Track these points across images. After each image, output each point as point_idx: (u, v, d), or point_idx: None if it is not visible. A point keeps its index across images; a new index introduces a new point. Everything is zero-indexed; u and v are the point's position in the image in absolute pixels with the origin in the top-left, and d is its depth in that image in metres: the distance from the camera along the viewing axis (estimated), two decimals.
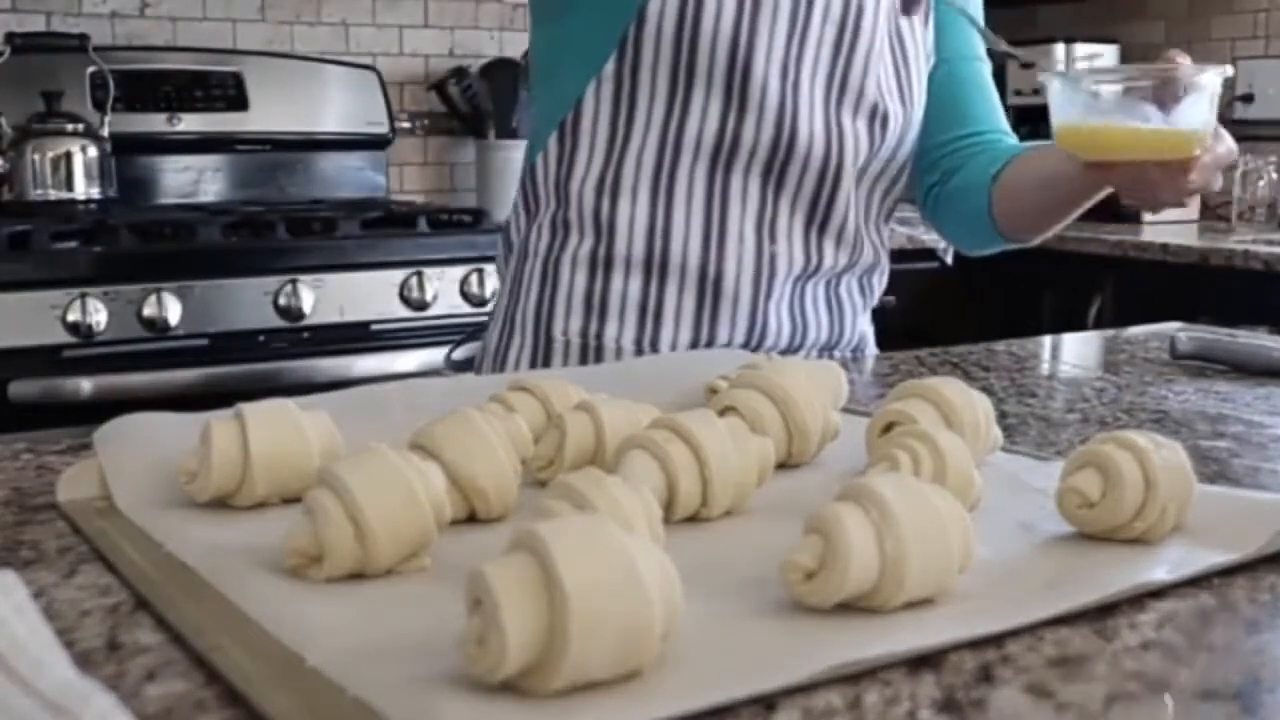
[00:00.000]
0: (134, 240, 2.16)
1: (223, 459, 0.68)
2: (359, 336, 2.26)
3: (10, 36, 2.44)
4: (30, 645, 0.43)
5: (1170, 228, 2.96)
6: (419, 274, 2.29)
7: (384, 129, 2.88)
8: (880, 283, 1.30)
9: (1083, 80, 1.04)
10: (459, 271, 2.34)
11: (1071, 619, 0.55)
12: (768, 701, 0.47)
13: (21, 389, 1.98)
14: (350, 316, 2.25)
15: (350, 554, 0.58)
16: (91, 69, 2.54)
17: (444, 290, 2.32)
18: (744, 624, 0.54)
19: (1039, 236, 1.28)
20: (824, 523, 0.55)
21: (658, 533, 0.59)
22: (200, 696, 0.48)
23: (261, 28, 2.86)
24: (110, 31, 2.70)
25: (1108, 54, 3.30)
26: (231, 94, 2.72)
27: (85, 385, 2.01)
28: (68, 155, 2.41)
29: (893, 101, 1.21)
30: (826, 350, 1.26)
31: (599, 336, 1.18)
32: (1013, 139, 1.31)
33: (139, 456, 0.72)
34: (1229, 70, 1.00)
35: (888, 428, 0.78)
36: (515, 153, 2.79)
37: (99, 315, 2.03)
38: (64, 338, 2.02)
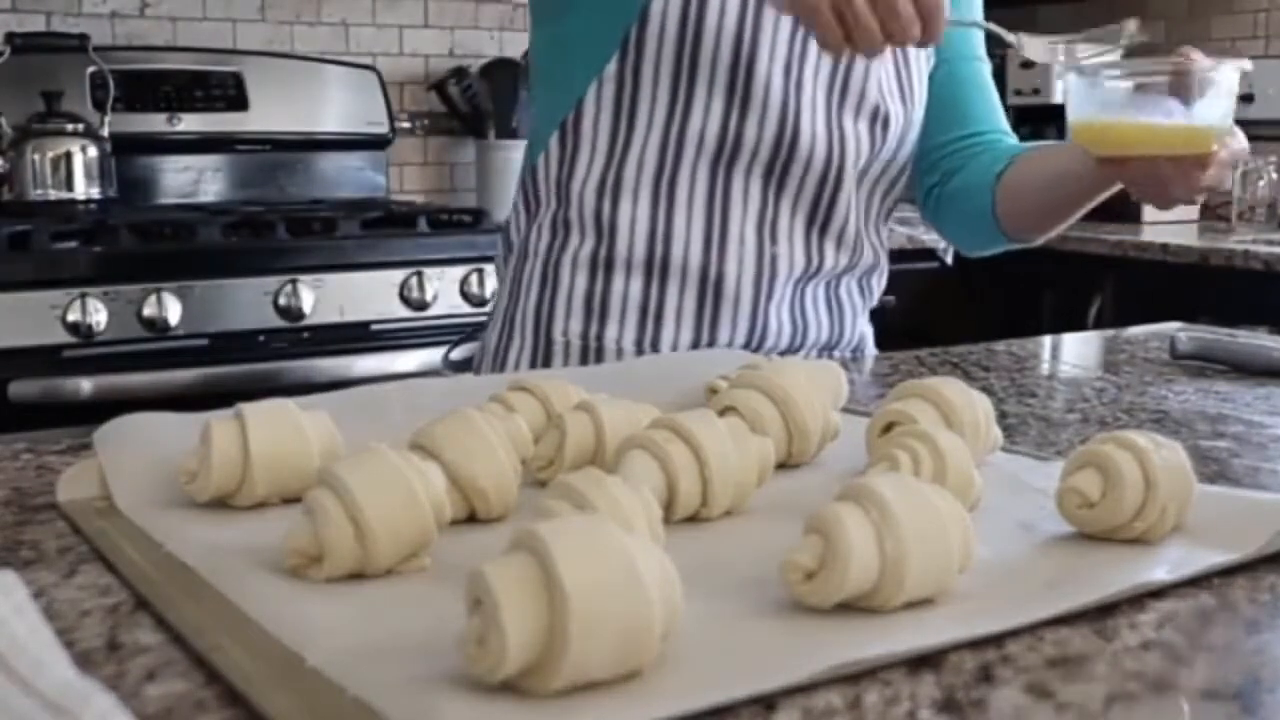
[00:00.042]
0: (134, 240, 2.16)
1: (223, 459, 0.68)
2: (359, 336, 2.26)
3: (10, 36, 2.44)
4: (30, 645, 0.43)
5: (1170, 228, 2.96)
6: (419, 274, 2.29)
7: (384, 129, 2.88)
8: (880, 284, 1.30)
9: (1099, 75, 1.03)
10: (459, 271, 2.34)
11: (1071, 619, 0.55)
12: (768, 701, 0.47)
13: (21, 389, 1.98)
14: (350, 316, 2.25)
15: (350, 554, 0.58)
16: (91, 69, 2.54)
17: (444, 290, 2.32)
18: (744, 624, 0.54)
19: (1043, 236, 1.28)
20: (824, 523, 0.55)
21: (658, 533, 0.59)
22: (200, 696, 0.48)
23: (261, 28, 2.86)
24: (110, 31, 2.70)
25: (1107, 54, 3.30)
26: (231, 94, 2.72)
27: (85, 385, 2.01)
28: (68, 155, 2.41)
29: (894, 103, 1.21)
30: (826, 351, 1.26)
31: (599, 338, 1.18)
32: (1013, 139, 1.31)
33: (139, 456, 0.72)
34: (1247, 65, 1.00)
35: (888, 428, 0.78)
36: (515, 153, 2.79)
37: (99, 315, 2.03)
38: (64, 338, 2.02)
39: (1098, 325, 2.60)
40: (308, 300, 2.19)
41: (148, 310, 2.07)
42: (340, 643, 0.51)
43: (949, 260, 2.83)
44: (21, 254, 2.04)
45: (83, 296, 2.02)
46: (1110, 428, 0.93)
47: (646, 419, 0.75)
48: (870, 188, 1.23)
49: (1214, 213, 3.19)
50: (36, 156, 2.39)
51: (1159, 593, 0.58)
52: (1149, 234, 2.79)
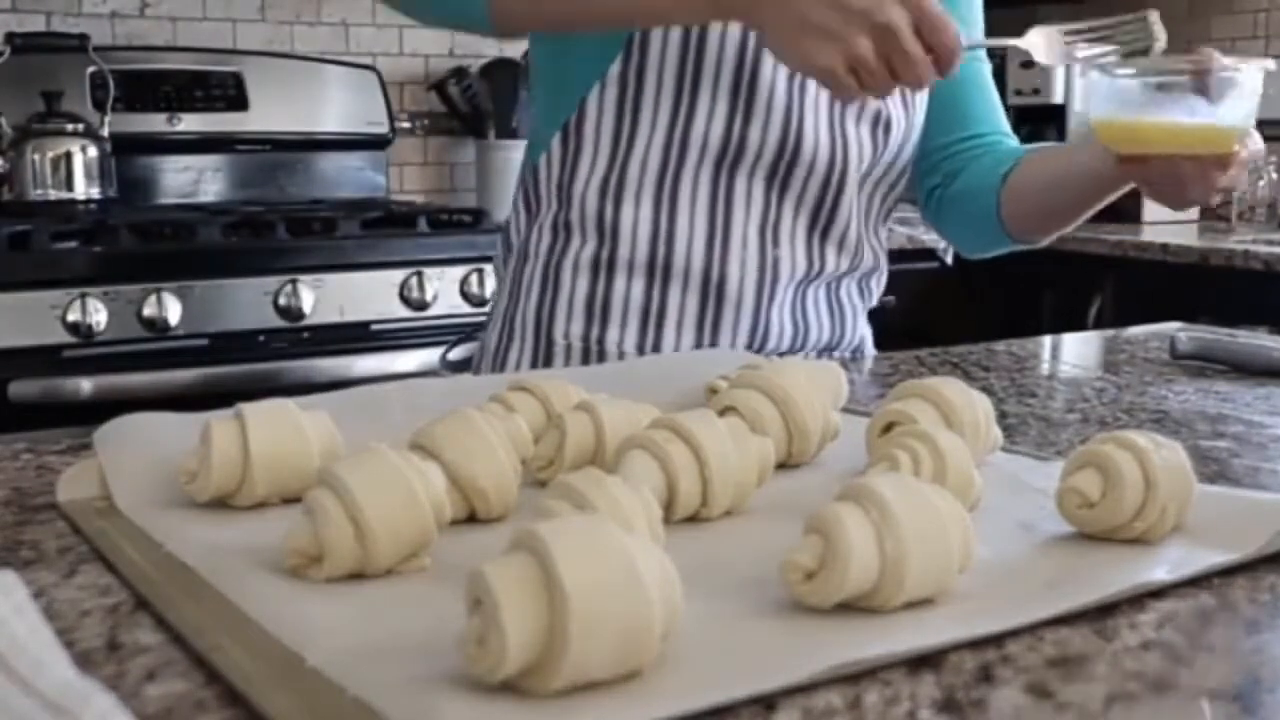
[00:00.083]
0: (134, 240, 2.16)
1: (223, 459, 0.68)
2: (359, 336, 2.26)
3: (10, 36, 2.45)
4: (30, 645, 0.43)
5: (1170, 228, 2.96)
6: (419, 274, 2.29)
7: (384, 129, 2.88)
8: (879, 286, 1.30)
9: (1122, 72, 1.03)
10: (459, 271, 2.34)
11: (1071, 619, 0.55)
12: (768, 701, 0.47)
13: (21, 389, 1.98)
14: (350, 316, 2.25)
15: (350, 554, 0.58)
16: (91, 69, 2.54)
17: (444, 290, 2.32)
18: (744, 624, 0.54)
19: (1048, 238, 1.28)
20: (824, 523, 0.55)
21: (658, 533, 0.59)
22: (200, 696, 0.48)
23: (261, 28, 2.86)
24: (110, 31, 2.70)
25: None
26: (231, 94, 2.72)
27: (85, 385, 2.01)
28: (68, 155, 2.41)
29: (895, 107, 1.20)
30: (827, 352, 1.25)
31: (601, 340, 1.17)
32: (1014, 140, 1.31)
33: (139, 456, 0.72)
34: (1271, 64, 1.00)
35: (888, 428, 0.78)
36: (515, 153, 2.79)
37: (99, 315, 2.03)
38: (64, 338, 2.02)
39: (1098, 325, 2.60)
40: (308, 300, 2.19)
41: (148, 310, 2.07)
42: (340, 643, 0.51)
43: (949, 260, 2.83)
44: (21, 254, 2.04)
45: (83, 296, 2.02)
46: (1110, 428, 0.93)
47: (646, 419, 0.75)
48: (871, 190, 1.23)
49: (1214, 213, 3.19)
50: (36, 156, 2.39)
51: (1159, 593, 0.58)
52: (1149, 234, 2.79)
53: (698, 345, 1.17)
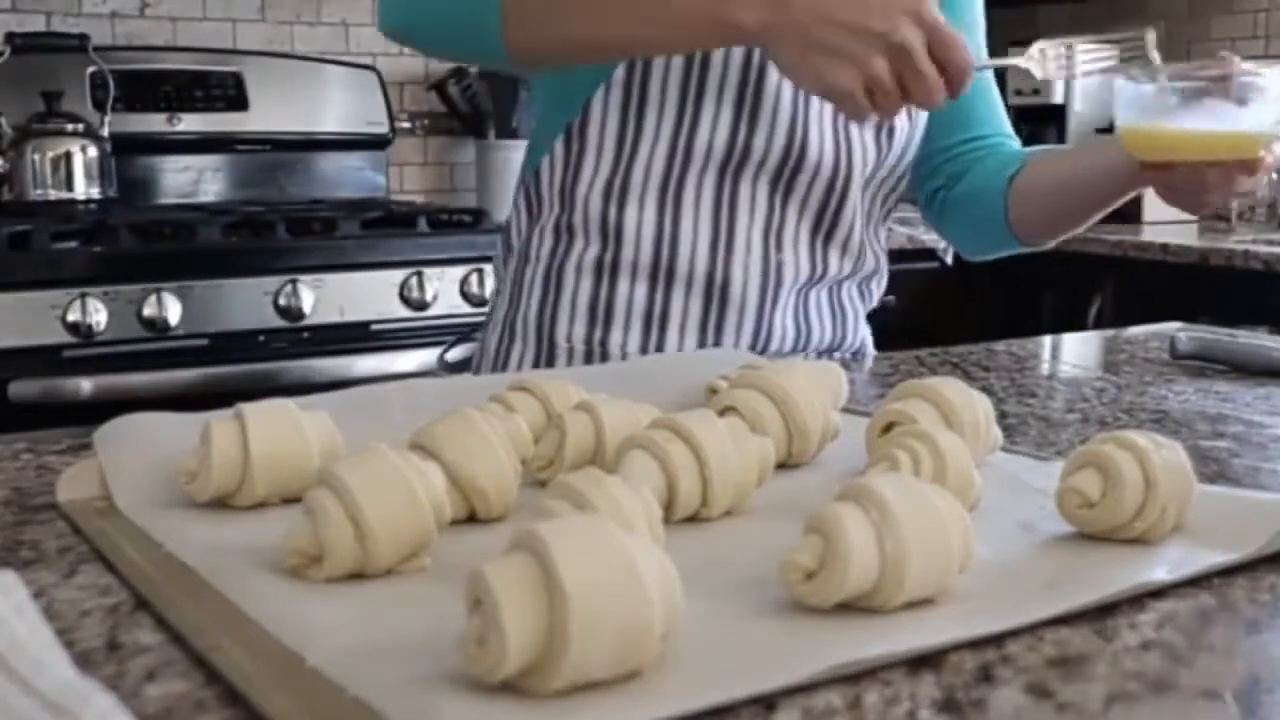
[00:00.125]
0: (134, 240, 2.16)
1: (223, 459, 0.68)
2: (359, 336, 2.26)
3: (10, 36, 2.45)
4: (30, 645, 0.43)
5: (1170, 228, 2.96)
6: (419, 274, 2.29)
7: (384, 129, 2.88)
8: (879, 288, 1.30)
9: (1146, 79, 1.03)
10: (459, 271, 2.34)
11: (1071, 619, 0.55)
12: (768, 701, 0.47)
13: (21, 389, 1.98)
14: (350, 316, 2.25)
15: (350, 554, 0.58)
16: (91, 69, 2.54)
17: (444, 290, 2.32)
18: (744, 624, 0.54)
19: (1055, 240, 1.28)
20: (824, 523, 0.55)
21: (658, 533, 0.59)
22: (200, 696, 0.48)
23: (261, 28, 2.86)
24: (110, 31, 2.70)
25: (1108, 54, 3.30)
26: (231, 94, 2.72)
27: (85, 385, 2.01)
28: (68, 155, 2.41)
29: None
30: (828, 354, 1.25)
31: (604, 343, 1.17)
32: (1016, 142, 1.31)
33: (139, 456, 0.72)
34: None
35: (888, 428, 0.78)
36: (515, 153, 2.79)
37: (99, 315, 2.03)
38: (64, 338, 2.02)
39: (1098, 325, 2.60)
40: (308, 300, 2.19)
41: (148, 310, 2.07)
42: (340, 643, 0.51)
43: (949, 260, 2.83)
44: (21, 254, 2.04)
45: (83, 296, 2.02)
46: (1110, 428, 0.93)
47: (646, 419, 0.75)
48: (873, 193, 1.23)
49: (1214, 213, 3.19)
50: (36, 156, 2.39)
51: (1159, 593, 0.58)
52: (1149, 234, 2.79)
53: (700, 348, 1.17)
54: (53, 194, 2.40)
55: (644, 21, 1.02)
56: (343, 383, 2.01)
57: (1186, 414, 0.98)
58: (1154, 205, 2.31)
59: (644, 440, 0.69)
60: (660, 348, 1.17)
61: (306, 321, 2.19)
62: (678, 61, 1.12)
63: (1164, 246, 2.63)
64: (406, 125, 3.02)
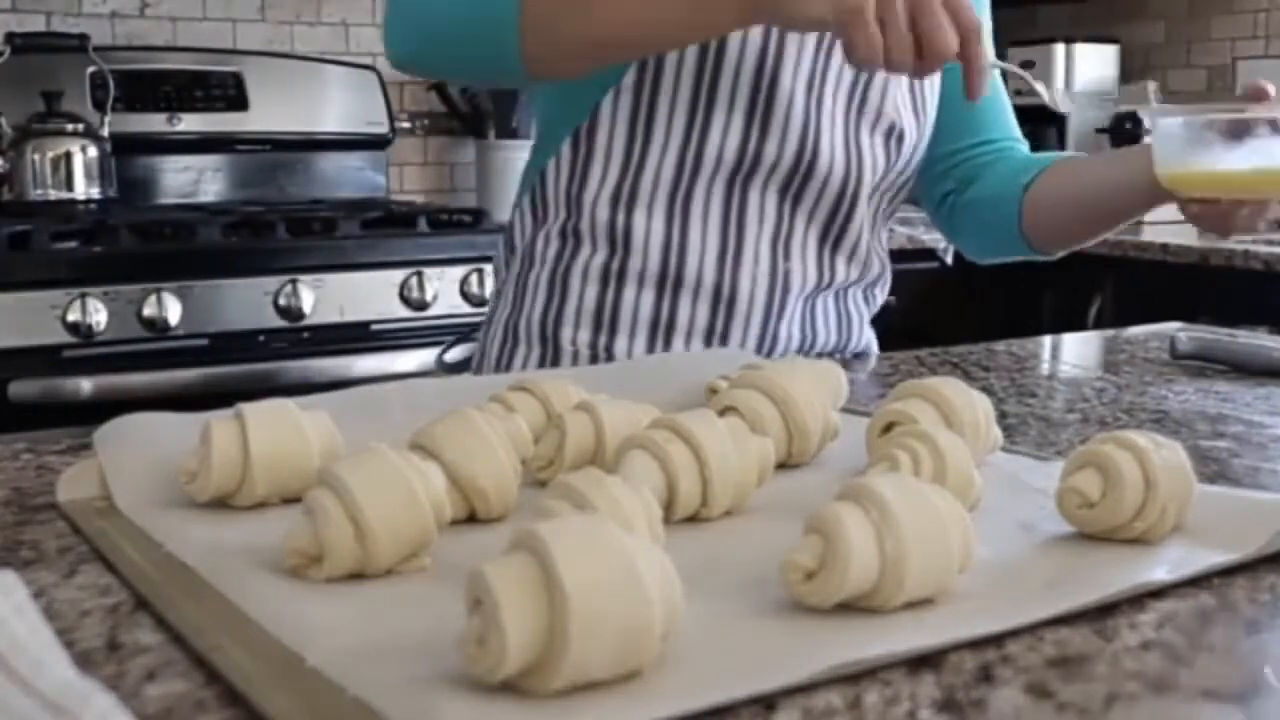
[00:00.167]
0: (134, 240, 2.16)
1: (223, 459, 0.68)
2: (359, 336, 2.26)
3: (10, 36, 2.45)
4: (30, 645, 0.43)
5: (1170, 228, 2.96)
6: (419, 274, 2.29)
7: (384, 129, 2.88)
8: (883, 292, 1.30)
9: (1187, 119, 1.03)
10: (459, 271, 2.34)
11: (1071, 619, 0.55)
12: (768, 701, 0.47)
13: (21, 389, 1.98)
14: (350, 316, 2.25)
15: (350, 554, 0.58)
16: (91, 69, 2.54)
17: (444, 290, 2.32)
18: (744, 624, 0.54)
19: (1067, 250, 1.28)
20: (824, 523, 0.55)
21: (658, 533, 0.59)
22: (200, 696, 0.48)
23: (261, 28, 2.86)
24: (110, 31, 2.70)
25: (1108, 54, 3.30)
26: (231, 94, 2.72)
27: (85, 385, 2.01)
28: (68, 155, 2.41)
29: (908, 115, 1.19)
30: (831, 356, 1.25)
31: (609, 349, 1.16)
32: (1025, 146, 1.30)
33: (139, 456, 0.72)
34: None
35: (888, 428, 0.78)
36: (515, 153, 2.79)
37: (99, 315, 2.03)
38: (64, 338, 2.02)
39: (1098, 325, 2.60)
40: (308, 300, 2.19)
41: (148, 310, 2.07)
42: (340, 643, 0.51)
43: (949, 260, 2.82)
44: (21, 254, 2.04)
45: (83, 296, 2.02)
46: (1110, 428, 0.93)
47: (646, 419, 0.75)
48: (878, 199, 1.23)
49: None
50: (36, 156, 2.39)
51: (1159, 593, 0.58)
52: (1149, 234, 2.79)
53: None
54: (53, 194, 2.40)
55: (661, 3, 1.01)
56: (343, 383, 2.01)
57: (1186, 414, 0.98)
58: None
59: (644, 440, 0.69)
60: None
61: (306, 321, 2.19)
62: (689, 67, 1.11)
63: (1164, 246, 2.63)
64: (406, 125, 3.02)
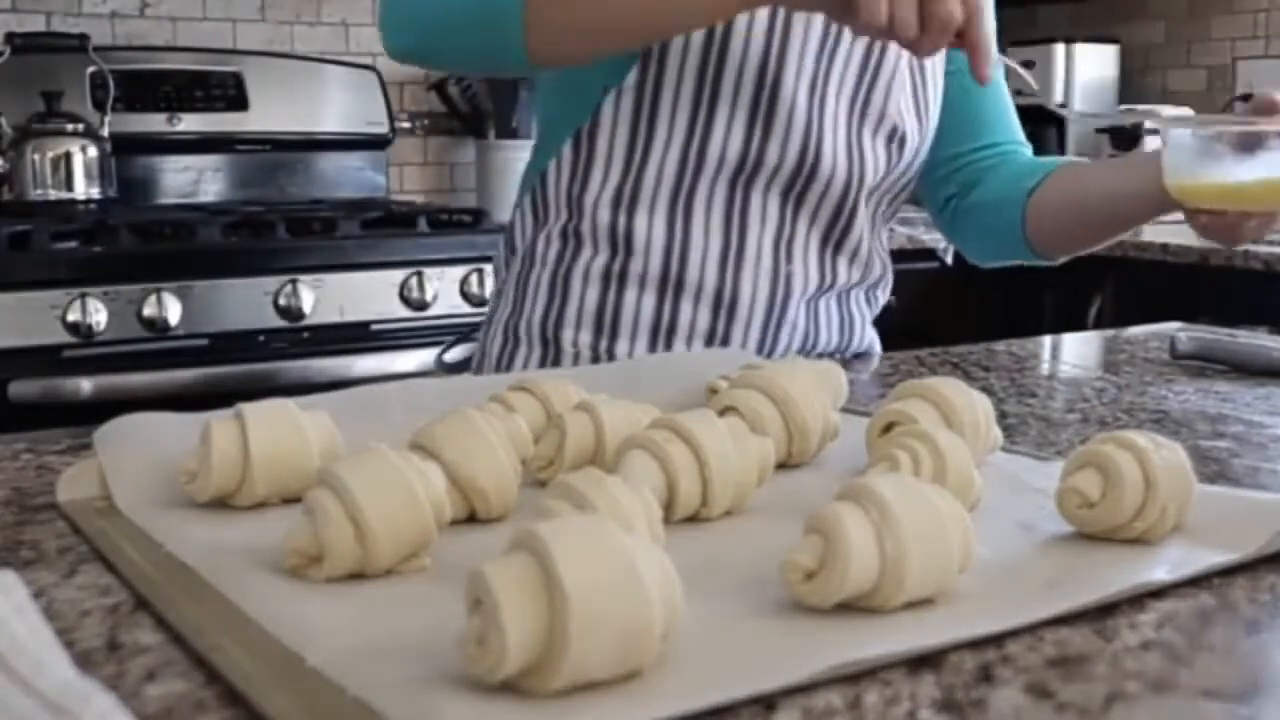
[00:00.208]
0: (134, 240, 2.16)
1: (223, 459, 0.68)
2: (359, 336, 2.26)
3: (10, 36, 2.45)
4: (30, 645, 0.43)
5: (1170, 228, 2.95)
6: (419, 274, 2.29)
7: (384, 129, 2.88)
8: (884, 294, 1.29)
9: (1198, 131, 1.02)
10: (459, 271, 2.34)
11: (1071, 619, 0.55)
12: (768, 701, 0.47)
13: (21, 389, 1.98)
14: (350, 316, 2.24)
15: (350, 554, 0.58)
16: (91, 69, 2.54)
17: (444, 290, 2.32)
18: (744, 624, 0.54)
19: (1070, 255, 1.28)
20: (824, 523, 0.55)
21: (658, 533, 0.59)
22: (200, 696, 0.48)
23: (261, 28, 2.86)
24: (110, 31, 2.70)
25: (1108, 54, 3.30)
26: (231, 94, 2.72)
27: (85, 385, 2.01)
28: (68, 155, 2.41)
29: (910, 118, 1.19)
30: (832, 356, 1.25)
31: (610, 351, 1.16)
32: (1028, 150, 1.30)
33: (139, 456, 0.72)
34: None
35: (888, 428, 0.78)
36: (515, 153, 2.79)
37: (99, 315, 2.03)
38: (64, 338, 2.02)
39: (1098, 325, 2.60)
40: (308, 300, 2.19)
41: (148, 310, 2.07)
42: (340, 643, 0.51)
43: (949, 260, 2.82)
44: (21, 254, 2.04)
45: (83, 296, 2.02)
46: (1110, 428, 0.93)
47: (646, 419, 0.75)
48: (879, 201, 1.22)
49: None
50: (36, 156, 2.39)
51: (1159, 593, 0.58)
52: (1149, 234, 2.79)
53: None
54: (53, 194, 2.40)
55: None
56: (343, 383, 2.01)
57: (1186, 414, 0.98)
58: None
59: (644, 440, 0.69)
60: None
61: (306, 321, 2.19)
62: (691, 68, 1.11)
63: (1164, 246, 2.63)
64: (406, 125, 3.02)
